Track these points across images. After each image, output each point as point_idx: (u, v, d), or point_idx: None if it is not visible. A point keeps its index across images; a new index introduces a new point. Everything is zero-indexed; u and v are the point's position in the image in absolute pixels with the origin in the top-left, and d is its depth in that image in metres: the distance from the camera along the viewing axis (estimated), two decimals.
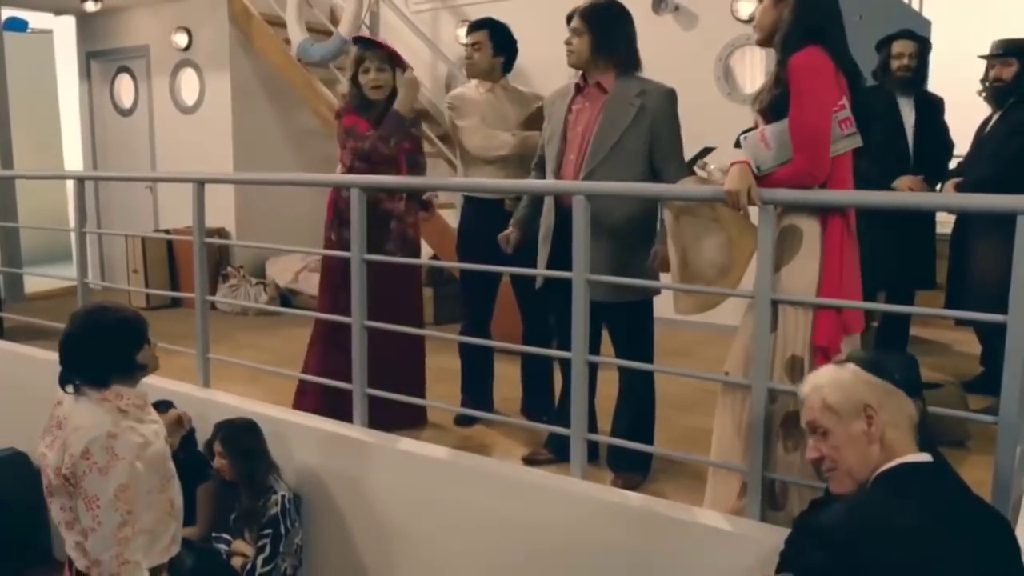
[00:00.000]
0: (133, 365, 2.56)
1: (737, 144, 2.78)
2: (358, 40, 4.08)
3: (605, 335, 3.44)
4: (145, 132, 8.00)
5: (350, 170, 3.94)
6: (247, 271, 7.08)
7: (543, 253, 3.46)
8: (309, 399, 4.00)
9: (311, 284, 6.81)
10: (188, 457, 3.41)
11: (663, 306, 3.32)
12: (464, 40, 4.16)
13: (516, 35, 4.18)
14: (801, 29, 2.62)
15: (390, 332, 3.62)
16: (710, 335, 4.44)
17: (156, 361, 2.65)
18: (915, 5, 8.60)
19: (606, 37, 3.30)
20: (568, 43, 3.37)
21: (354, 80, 3.98)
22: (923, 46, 4.44)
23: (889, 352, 2.10)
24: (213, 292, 6.53)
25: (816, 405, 2.01)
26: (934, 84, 7.85)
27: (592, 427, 3.33)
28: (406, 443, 3.57)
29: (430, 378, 4.11)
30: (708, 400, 3.57)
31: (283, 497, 3.49)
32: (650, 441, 3.35)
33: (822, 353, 2.54)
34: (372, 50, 3.96)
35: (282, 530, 3.44)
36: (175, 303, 6.72)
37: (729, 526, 2.74)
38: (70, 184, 7.65)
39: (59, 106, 11.37)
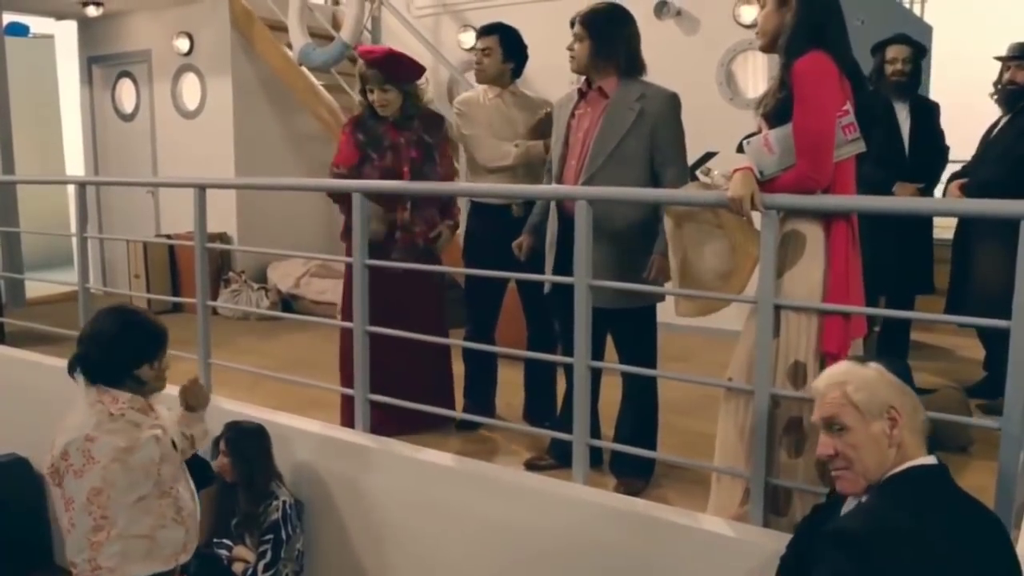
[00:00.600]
0: (146, 371, 2.60)
1: (740, 149, 2.78)
2: (363, 54, 4.00)
3: (609, 341, 3.43)
4: (147, 137, 8.00)
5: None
6: (249, 276, 7.08)
7: (549, 260, 3.45)
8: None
9: (313, 289, 6.83)
10: (189, 460, 3.40)
11: (664, 310, 3.31)
12: (474, 45, 4.12)
13: None
14: (804, 33, 2.62)
15: (409, 341, 3.61)
16: (711, 340, 4.43)
17: (162, 383, 2.68)
18: (916, 10, 8.61)
19: (606, 42, 3.30)
20: (570, 48, 3.37)
21: (363, 94, 3.97)
22: (917, 51, 4.44)
23: (885, 358, 2.09)
24: (215, 297, 6.54)
25: (837, 400, 1.97)
26: (935, 88, 7.87)
27: (595, 432, 3.32)
28: (407, 448, 3.56)
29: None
30: (710, 405, 3.56)
31: (284, 503, 3.48)
32: (653, 447, 3.34)
33: (832, 359, 2.52)
34: (372, 70, 3.87)
35: (283, 536, 3.44)
36: (176, 308, 6.71)
37: (732, 532, 2.74)
38: (71, 189, 7.65)
39: (61, 111, 11.39)
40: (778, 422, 2.67)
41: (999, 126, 4.22)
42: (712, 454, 2.91)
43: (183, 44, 7.49)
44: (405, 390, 3.65)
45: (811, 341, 2.61)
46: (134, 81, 8.09)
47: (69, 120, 9.87)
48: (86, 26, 8.23)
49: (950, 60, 8.60)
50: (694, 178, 3.18)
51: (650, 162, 3.25)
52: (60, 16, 8.34)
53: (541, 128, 3.97)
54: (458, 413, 3.94)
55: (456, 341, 3.96)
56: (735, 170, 2.66)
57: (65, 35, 9.06)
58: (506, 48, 4.06)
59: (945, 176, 4.52)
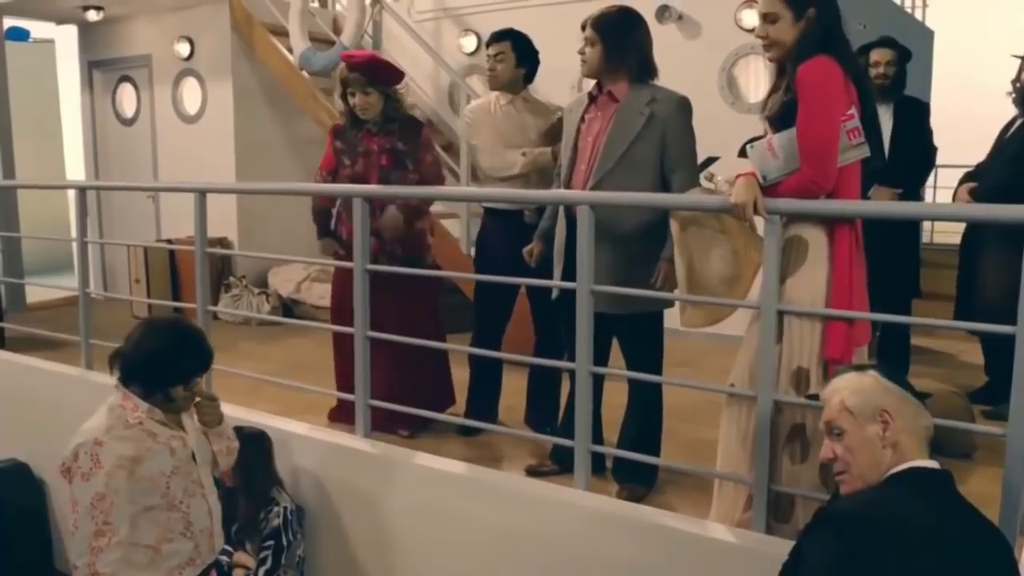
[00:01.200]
0: (189, 385, 2.63)
1: (742, 153, 2.77)
2: (344, 59, 4.02)
3: (615, 347, 3.41)
4: (147, 141, 7.99)
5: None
6: (249, 281, 7.07)
7: (558, 266, 3.43)
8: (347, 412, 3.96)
9: (313, 294, 6.81)
10: None
11: (670, 316, 3.31)
12: (486, 51, 4.08)
13: None
14: (816, 39, 2.60)
15: (406, 346, 3.63)
16: (715, 345, 4.41)
17: (189, 403, 2.70)
18: (918, 15, 8.61)
19: (617, 46, 3.27)
20: (581, 52, 3.34)
21: (344, 99, 4.00)
22: (901, 55, 4.42)
23: (884, 363, 2.11)
24: (215, 302, 6.53)
25: (835, 406, 2.04)
26: (936, 92, 7.87)
27: (597, 438, 3.31)
28: (409, 454, 3.55)
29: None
30: (713, 411, 3.54)
31: (285, 509, 3.47)
32: (657, 453, 3.33)
33: (835, 366, 2.51)
34: (354, 73, 3.89)
35: (284, 542, 3.43)
36: (177, 313, 6.70)
37: (734, 539, 2.73)
38: (72, 193, 7.65)
39: (61, 115, 11.38)
40: (781, 428, 2.66)
41: (1015, 126, 4.17)
42: (714, 460, 2.90)
43: (184, 48, 7.49)
44: (402, 391, 3.68)
45: (814, 347, 2.60)
46: (135, 86, 8.09)
47: (70, 125, 9.85)
48: (87, 30, 8.23)
49: (952, 65, 8.60)
50: (697, 183, 3.18)
51: (660, 166, 3.23)
52: (61, 20, 8.33)
53: (553, 134, 3.94)
54: (459, 419, 3.92)
55: (461, 347, 3.93)
56: (738, 175, 2.65)
57: (66, 40, 9.05)
58: (518, 53, 4.04)
59: (943, 175, 4.48)
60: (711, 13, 5.83)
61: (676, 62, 5.65)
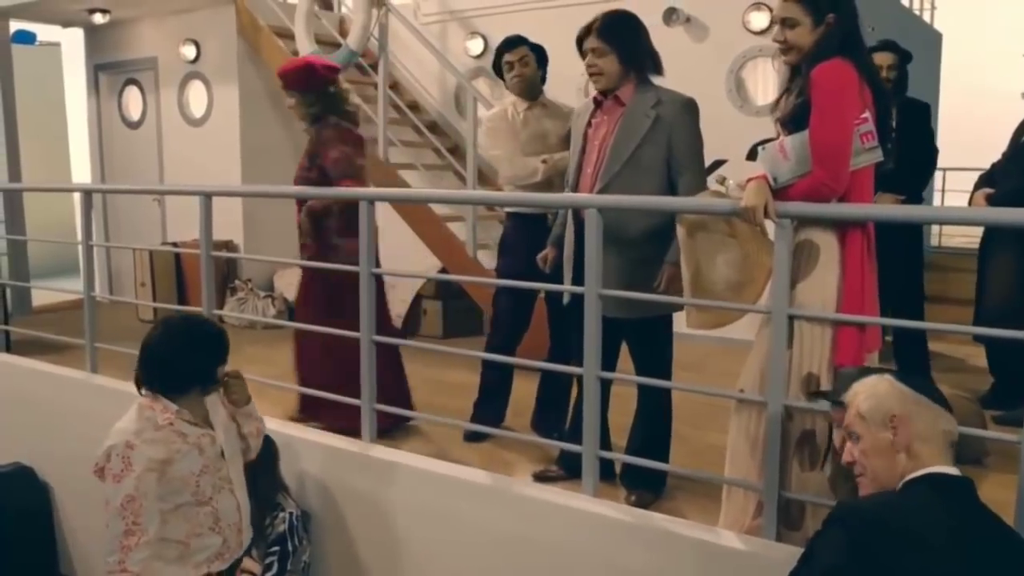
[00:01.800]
0: (212, 379, 2.74)
1: (750, 156, 2.74)
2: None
3: (626, 352, 3.39)
4: (153, 144, 7.99)
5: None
6: (255, 284, 7.06)
7: (568, 271, 3.40)
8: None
9: None
10: None
11: (679, 320, 3.28)
12: (506, 58, 4.01)
13: None
14: (834, 42, 2.57)
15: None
16: (722, 348, 4.39)
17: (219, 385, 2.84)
18: (926, 17, 8.57)
19: (630, 51, 3.21)
20: (592, 66, 3.22)
21: None
22: (903, 58, 4.38)
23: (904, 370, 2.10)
24: (221, 306, 6.51)
25: (852, 411, 2.05)
26: (944, 94, 7.83)
27: (605, 444, 3.28)
28: (415, 459, 3.53)
29: (441, 392, 4.08)
30: (721, 416, 3.51)
31: (291, 514, 3.45)
32: (666, 459, 3.30)
33: None
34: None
35: (289, 548, 3.40)
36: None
37: (744, 546, 2.70)
38: (77, 197, 7.66)
39: (67, 119, 11.39)
40: (791, 434, 2.63)
41: None
42: (723, 466, 2.86)
43: (190, 51, 7.49)
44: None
45: (824, 353, 2.57)
46: (140, 89, 8.09)
47: (76, 128, 9.87)
48: (93, 33, 8.23)
49: (955, 66, 8.55)
50: (706, 186, 3.14)
51: (667, 169, 3.19)
52: (67, 23, 8.34)
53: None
54: (465, 423, 3.90)
55: (475, 352, 3.89)
56: (749, 179, 2.62)
57: (72, 43, 9.06)
58: (536, 56, 4.03)
59: (950, 178, 4.44)
60: (719, 15, 5.80)
61: (684, 65, 5.63)
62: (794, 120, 2.60)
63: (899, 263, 4.09)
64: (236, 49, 7.10)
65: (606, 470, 3.30)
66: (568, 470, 3.39)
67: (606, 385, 3.26)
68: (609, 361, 3.18)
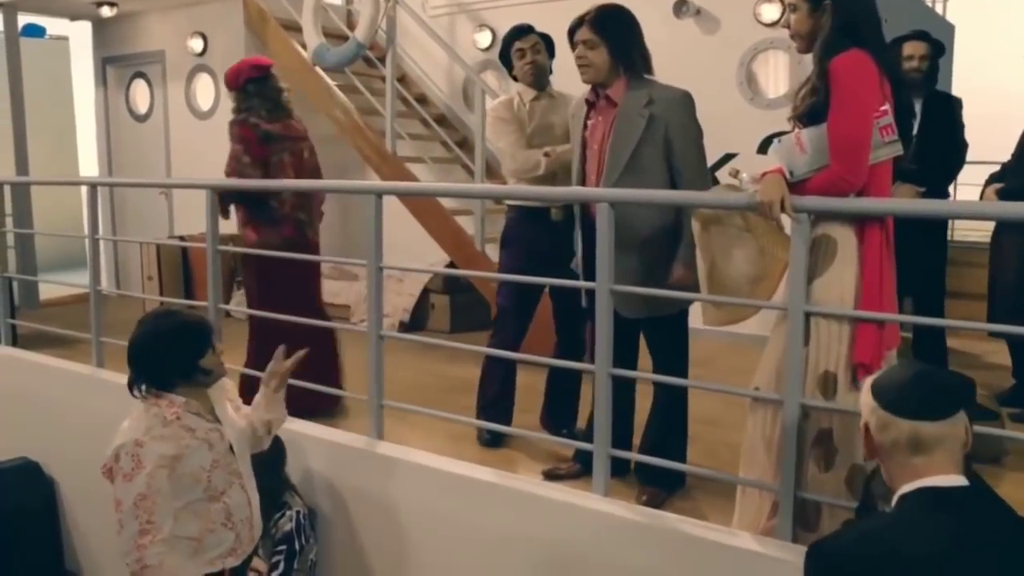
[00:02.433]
0: (195, 370, 2.61)
1: (761, 149, 2.69)
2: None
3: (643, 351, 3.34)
4: (160, 138, 7.97)
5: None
6: None
7: (582, 273, 3.35)
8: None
9: (327, 291, 6.72)
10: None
11: (692, 316, 3.24)
12: (517, 45, 3.92)
13: None
14: (841, 33, 2.52)
15: (298, 325, 3.80)
16: (732, 344, 4.34)
17: (222, 367, 2.72)
18: (938, 8, 8.49)
19: (622, 46, 3.16)
20: (581, 57, 3.19)
21: None
22: (935, 48, 4.30)
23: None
24: (227, 300, 6.48)
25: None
26: (956, 88, 7.74)
27: (627, 441, 3.24)
28: (423, 456, 3.48)
29: (444, 388, 4.09)
30: (733, 413, 3.47)
31: (298, 513, 3.42)
32: (682, 456, 3.25)
33: (864, 370, 2.43)
34: None
35: (296, 547, 3.37)
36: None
37: (759, 547, 2.64)
38: (85, 190, 7.64)
39: (75, 112, 11.38)
40: (807, 434, 2.58)
41: None
42: (737, 464, 2.82)
43: (197, 44, 7.46)
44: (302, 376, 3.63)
45: (842, 351, 2.51)
46: (148, 82, 8.07)
47: (83, 121, 9.85)
48: (100, 27, 8.21)
49: (971, 59, 8.46)
50: (714, 179, 3.08)
51: (668, 168, 3.13)
52: (74, 17, 8.32)
53: None
54: (474, 421, 3.85)
55: (479, 348, 3.84)
56: (765, 173, 2.56)
57: (80, 36, 9.05)
58: (546, 44, 3.97)
59: (971, 173, 4.37)
60: (729, 7, 5.73)
61: (694, 58, 5.61)
62: (811, 116, 2.55)
63: (921, 256, 4.01)
64: (243, 42, 7.06)
65: (622, 465, 3.24)
66: (584, 465, 3.32)
67: (630, 385, 3.21)
68: (629, 361, 3.12)
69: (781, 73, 5.65)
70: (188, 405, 2.61)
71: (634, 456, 3.23)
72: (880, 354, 2.47)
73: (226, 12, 7.15)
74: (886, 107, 2.48)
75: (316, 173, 4.57)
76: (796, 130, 2.59)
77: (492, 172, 6.07)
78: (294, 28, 6.76)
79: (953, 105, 4.33)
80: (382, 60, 6.46)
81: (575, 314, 3.68)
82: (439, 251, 6.01)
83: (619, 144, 3.14)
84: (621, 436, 3.14)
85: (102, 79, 8.40)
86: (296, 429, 3.77)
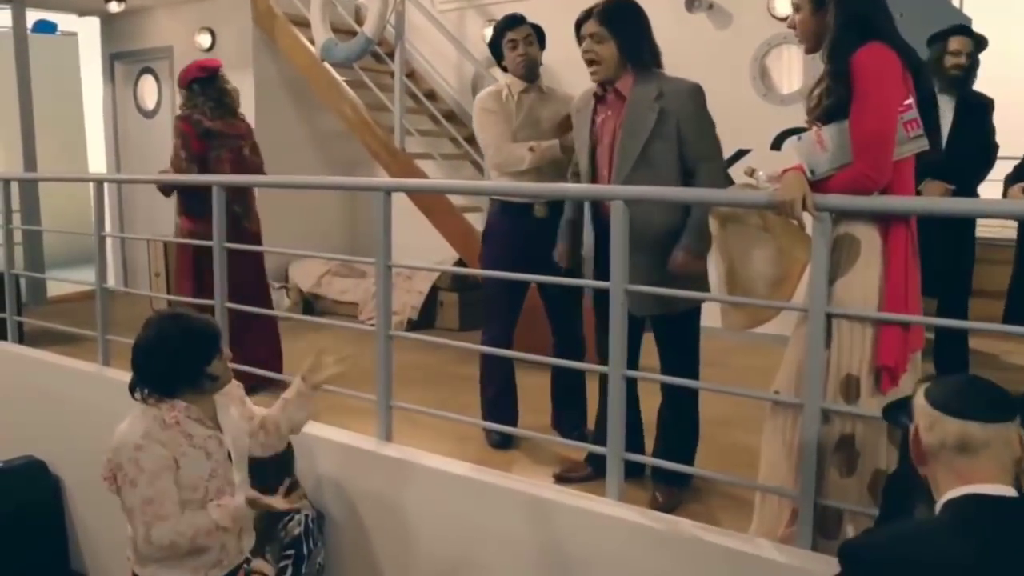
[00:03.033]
0: (202, 377, 2.54)
1: (775, 146, 2.61)
2: None
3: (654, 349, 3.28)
4: (168, 134, 7.89)
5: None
6: (270, 275, 6.96)
7: (589, 270, 3.29)
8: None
9: (334, 288, 6.74)
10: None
11: (705, 315, 3.17)
12: (509, 35, 3.87)
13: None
14: (851, 29, 2.44)
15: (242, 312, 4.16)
16: (745, 344, 4.26)
17: (229, 373, 2.64)
18: (955, 2, 8.38)
19: (631, 40, 3.09)
20: (589, 51, 3.12)
21: None
22: (978, 45, 4.20)
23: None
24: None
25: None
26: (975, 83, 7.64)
27: (637, 443, 3.19)
28: (432, 459, 3.43)
29: (458, 387, 4.03)
30: (747, 415, 3.41)
31: (307, 516, 3.37)
32: (693, 454, 3.20)
33: (888, 373, 2.36)
34: None
35: (304, 551, 3.32)
36: (197, 308, 6.62)
37: (778, 555, 2.57)
38: (92, 186, 7.61)
39: (84, 108, 11.35)
40: (828, 439, 2.51)
41: None
42: (752, 467, 2.75)
43: (205, 40, 7.42)
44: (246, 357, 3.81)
45: (866, 353, 2.43)
46: (156, 78, 8.04)
47: (92, 117, 9.82)
48: (108, 22, 8.18)
49: (989, 53, 8.35)
50: (730, 180, 3.02)
51: (680, 163, 3.07)
52: (83, 12, 8.30)
53: (566, 124, 3.71)
54: (484, 423, 3.79)
55: (475, 346, 3.78)
56: (785, 170, 2.49)
57: (88, 32, 9.02)
58: (537, 35, 3.90)
59: (993, 172, 4.28)
60: (742, 1, 5.65)
61: (706, 52, 5.53)
62: (826, 117, 2.47)
63: (948, 256, 3.92)
64: (252, 37, 7.03)
65: (634, 465, 3.18)
66: (596, 468, 3.26)
67: (633, 382, 3.15)
68: (631, 359, 3.06)
69: (795, 68, 5.57)
70: (189, 411, 2.54)
71: (648, 460, 3.17)
72: (905, 357, 2.40)
73: (234, 7, 7.10)
74: (910, 101, 2.40)
75: (258, 170, 4.79)
76: (816, 127, 2.52)
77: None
78: (302, 23, 6.71)
79: (988, 106, 4.23)
80: (391, 55, 6.41)
81: (569, 312, 3.62)
82: (448, 248, 5.95)
83: (629, 139, 3.08)
84: (631, 437, 3.07)
85: (110, 75, 8.37)
86: (304, 430, 3.71)
